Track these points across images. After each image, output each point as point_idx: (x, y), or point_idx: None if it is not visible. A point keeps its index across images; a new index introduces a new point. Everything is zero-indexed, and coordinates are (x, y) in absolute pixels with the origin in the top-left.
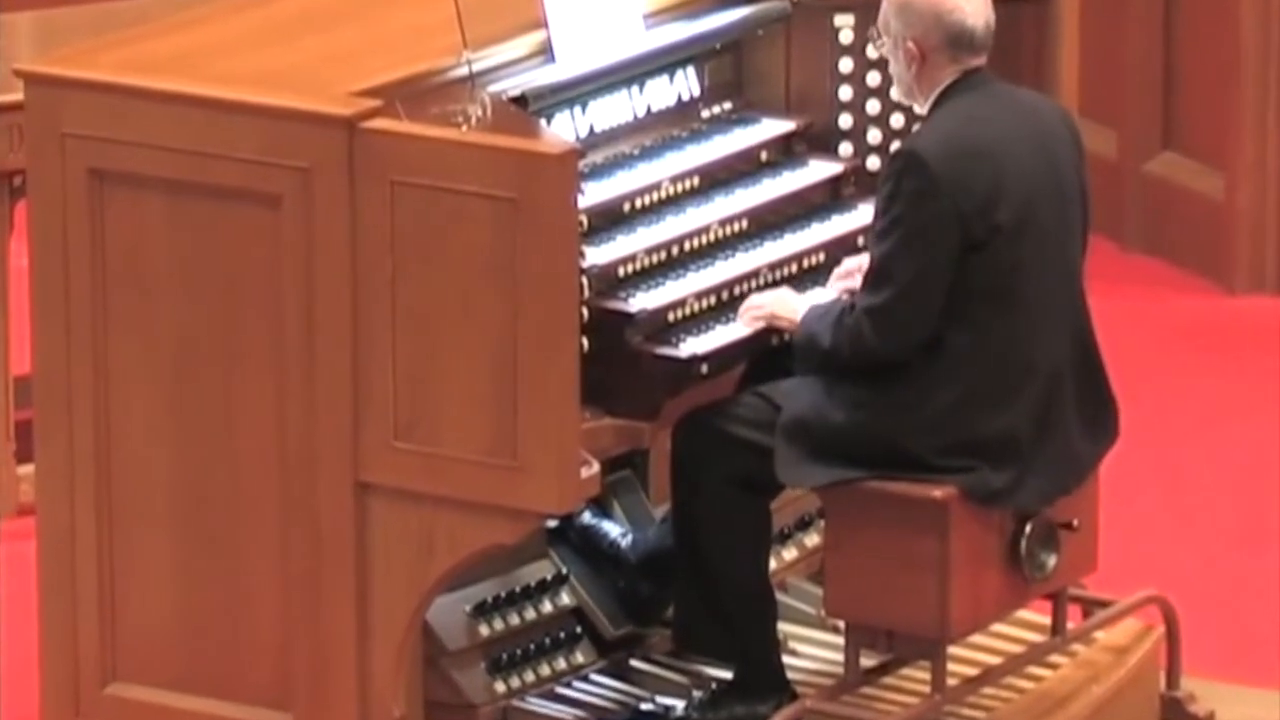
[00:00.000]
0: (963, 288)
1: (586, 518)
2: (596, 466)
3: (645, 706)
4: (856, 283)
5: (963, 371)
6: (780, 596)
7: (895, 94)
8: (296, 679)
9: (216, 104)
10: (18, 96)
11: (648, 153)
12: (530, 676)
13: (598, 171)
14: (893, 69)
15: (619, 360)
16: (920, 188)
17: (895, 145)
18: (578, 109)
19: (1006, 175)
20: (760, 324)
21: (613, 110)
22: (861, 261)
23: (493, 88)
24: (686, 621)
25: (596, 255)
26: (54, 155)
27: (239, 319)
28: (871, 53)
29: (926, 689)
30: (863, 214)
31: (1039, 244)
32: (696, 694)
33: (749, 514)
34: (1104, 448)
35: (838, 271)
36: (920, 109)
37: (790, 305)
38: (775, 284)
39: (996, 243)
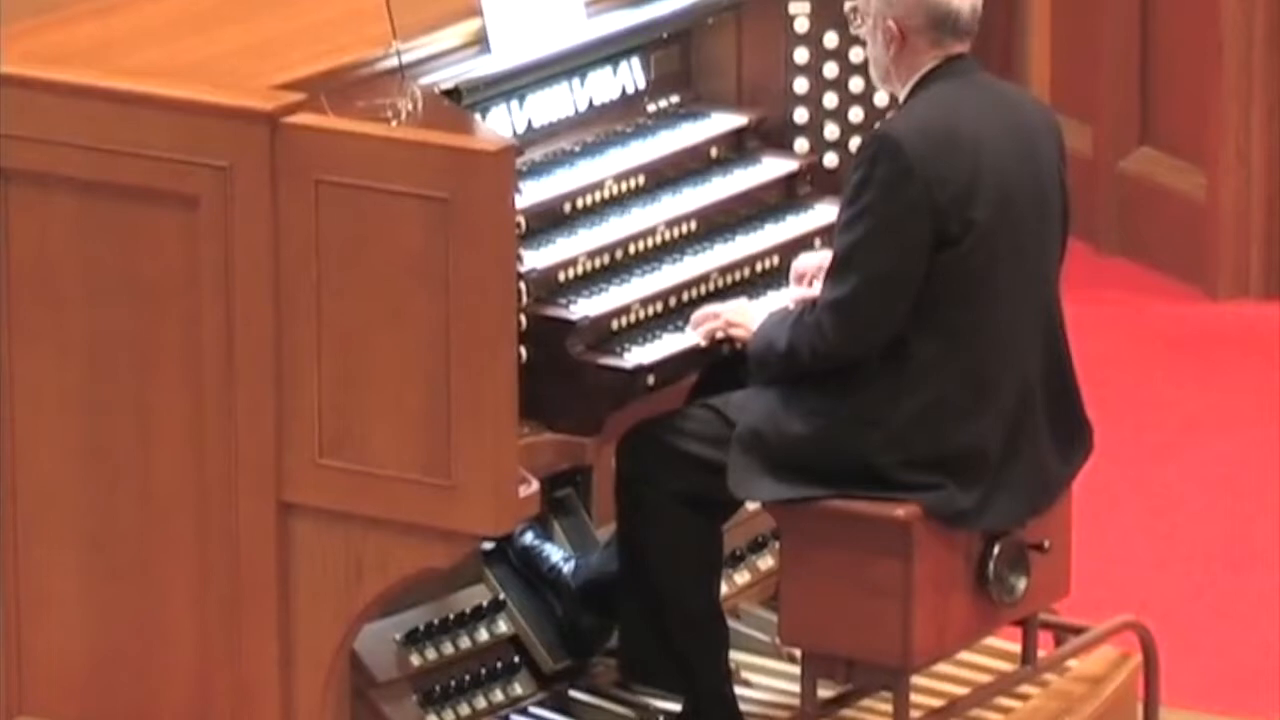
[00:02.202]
0: (931, 288)
1: (529, 539)
2: (535, 485)
3: None
4: (815, 289)
5: (929, 379)
6: (732, 623)
7: (872, 75)
8: (215, 713)
9: (129, 98)
10: None
11: (590, 149)
12: (465, 710)
13: (536, 169)
14: (869, 51)
15: (559, 371)
16: (893, 174)
17: (854, 141)
18: (515, 103)
19: (984, 168)
20: (715, 335)
21: (552, 104)
22: (820, 261)
23: (424, 80)
24: (632, 650)
25: (535, 259)
26: None
27: (153, 328)
28: (829, 42)
29: None
30: (820, 214)
31: (1014, 245)
32: None
33: (698, 535)
34: (1076, 466)
35: (795, 268)
36: (898, 95)
37: (747, 315)
38: (726, 289)
39: (970, 240)
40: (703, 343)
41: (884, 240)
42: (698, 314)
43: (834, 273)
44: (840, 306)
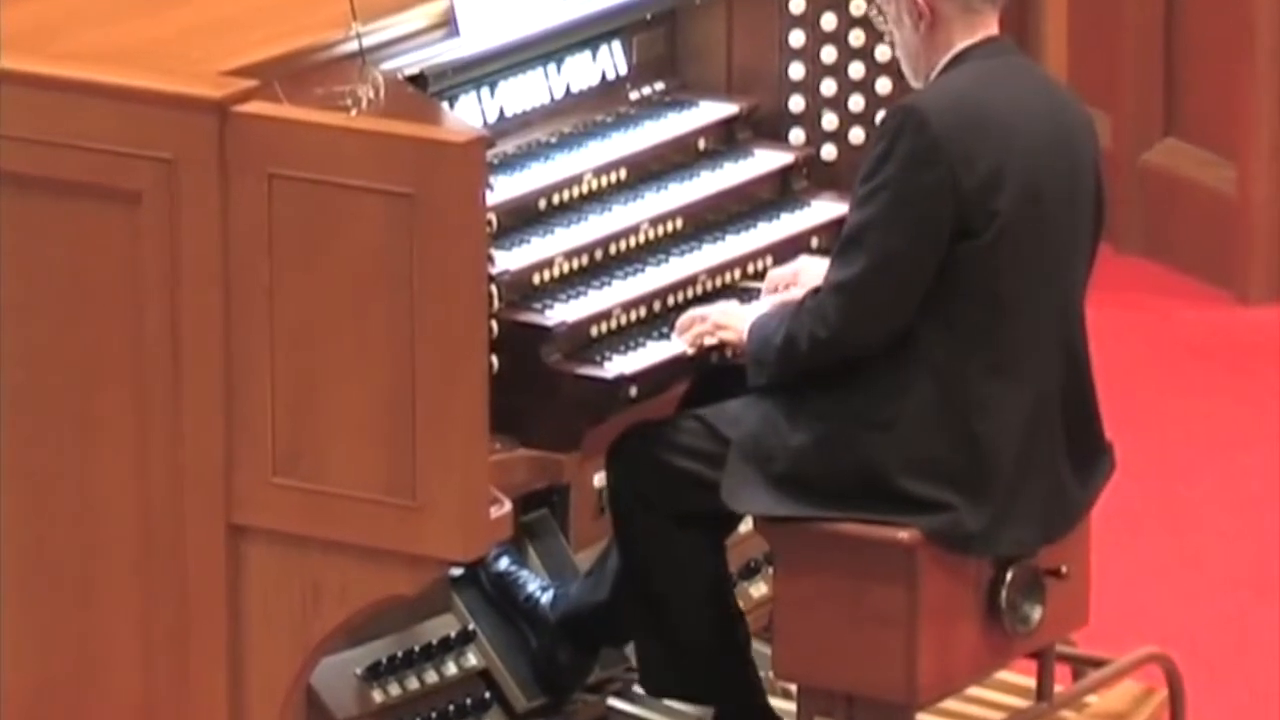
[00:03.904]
0: (945, 282)
1: (504, 564)
2: (508, 505)
3: None
4: (794, 294)
5: (935, 379)
6: None
7: (905, 70)
8: None
9: (65, 85)
10: None
11: (567, 141)
12: None
13: (509, 163)
14: (899, 41)
15: (534, 382)
16: (917, 150)
17: (854, 132)
18: (485, 90)
19: (1016, 154)
20: (704, 340)
21: (526, 92)
22: (796, 268)
23: (387, 65)
24: (653, 670)
25: (507, 260)
26: None
27: (92, 334)
28: (827, 24)
29: None
30: (817, 211)
31: (1039, 243)
32: None
33: (701, 553)
34: (1095, 490)
35: (770, 280)
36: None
37: (735, 316)
38: (715, 293)
39: (991, 232)
40: (689, 350)
41: (901, 219)
42: (683, 318)
43: (842, 251)
44: (846, 288)
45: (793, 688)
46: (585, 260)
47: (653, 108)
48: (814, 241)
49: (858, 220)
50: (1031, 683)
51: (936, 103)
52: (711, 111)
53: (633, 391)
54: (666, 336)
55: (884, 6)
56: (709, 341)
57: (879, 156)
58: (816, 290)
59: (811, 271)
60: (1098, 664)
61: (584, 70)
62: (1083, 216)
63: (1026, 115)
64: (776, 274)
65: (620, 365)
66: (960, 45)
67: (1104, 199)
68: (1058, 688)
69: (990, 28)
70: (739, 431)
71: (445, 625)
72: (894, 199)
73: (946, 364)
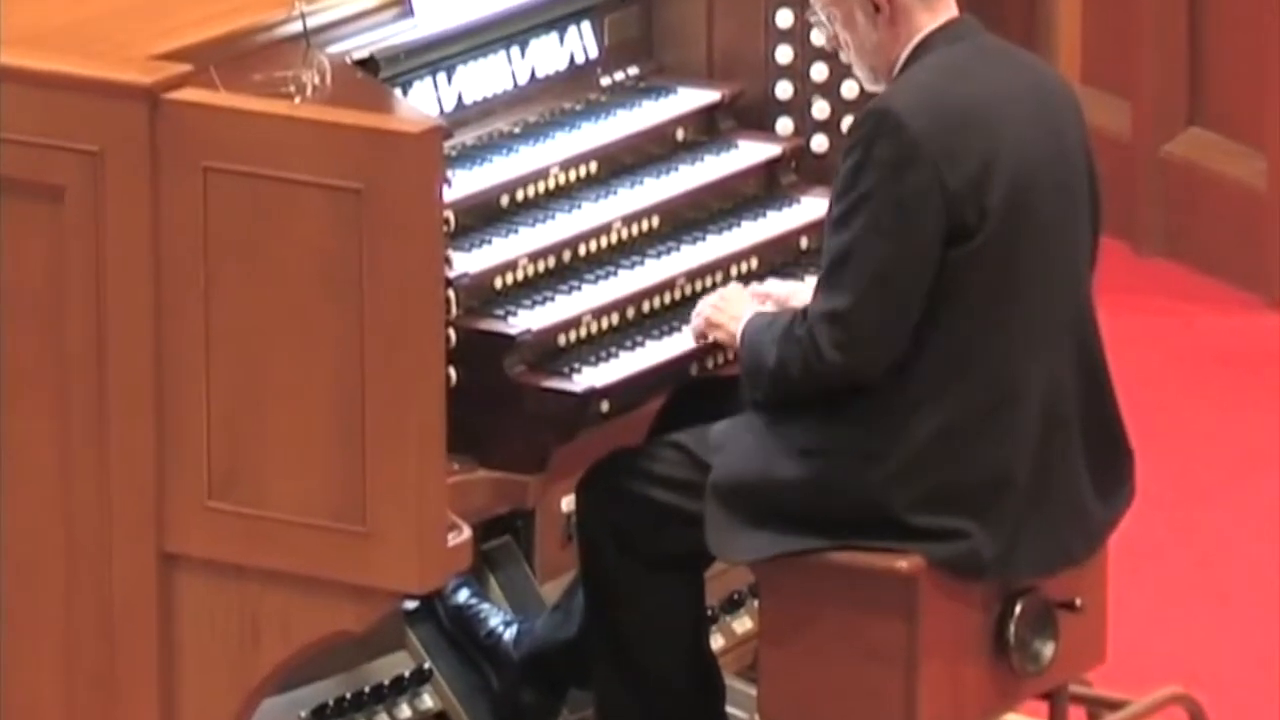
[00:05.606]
0: (941, 292)
1: (463, 597)
2: (468, 532)
3: None
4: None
5: (938, 401)
6: None
7: (862, 75)
8: None
9: None
10: None
11: (532, 132)
12: None
13: (468, 155)
14: (853, 47)
15: (496, 396)
16: (895, 155)
17: (848, 121)
18: (442, 76)
19: (1001, 145)
20: (700, 335)
21: (487, 77)
22: (791, 291)
23: (333, 48)
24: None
25: (466, 262)
26: None
27: (10, 342)
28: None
29: None
30: (806, 208)
31: (1037, 238)
32: None
33: (678, 597)
34: (1119, 508)
35: (774, 300)
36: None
37: (731, 311)
38: (695, 297)
39: (985, 232)
40: (694, 343)
41: (888, 234)
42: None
43: (828, 278)
44: (838, 318)
45: None
46: (552, 262)
47: (626, 95)
48: (803, 242)
49: (841, 241)
50: None
51: (908, 100)
52: (690, 99)
53: (604, 406)
54: (641, 345)
55: (831, 11)
56: (702, 341)
57: (853, 168)
58: (805, 313)
59: (804, 295)
60: (1116, 705)
61: (550, 54)
62: (1079, 200)
63: (1007, 99)
64: (777, 295)
65: (590, 378)
66: (924, 31)
67: (1097, 176)
68: None
69: (950, 9)
70: (717, 472)
71: (398, 664)
72: (878, 210)
73: (947, 385)
